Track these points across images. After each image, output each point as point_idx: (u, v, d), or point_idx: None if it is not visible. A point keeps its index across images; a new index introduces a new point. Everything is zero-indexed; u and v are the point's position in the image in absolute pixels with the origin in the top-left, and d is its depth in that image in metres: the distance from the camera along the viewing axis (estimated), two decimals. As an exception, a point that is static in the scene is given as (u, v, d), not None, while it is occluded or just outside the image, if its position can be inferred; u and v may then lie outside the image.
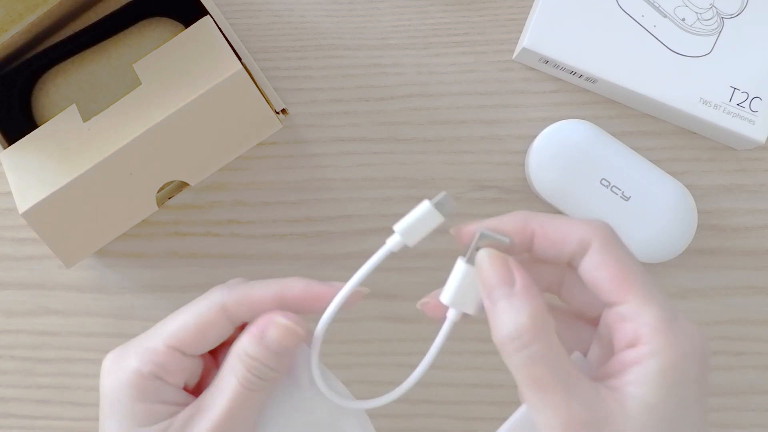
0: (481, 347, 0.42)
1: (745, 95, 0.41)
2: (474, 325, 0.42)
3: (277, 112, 0.39)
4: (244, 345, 0.28)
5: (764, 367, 0.42)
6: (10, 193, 0.43)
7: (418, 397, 0.42)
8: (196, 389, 0.30)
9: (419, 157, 0.43)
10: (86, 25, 0.43)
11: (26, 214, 0.36)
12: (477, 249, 0.28)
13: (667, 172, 0.42)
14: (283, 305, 0.29)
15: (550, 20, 0.42)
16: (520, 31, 0.44)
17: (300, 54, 0.44)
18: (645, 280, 0.26)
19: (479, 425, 0.42)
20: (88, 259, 0.43)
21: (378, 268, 0.38)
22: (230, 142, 0.37)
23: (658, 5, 0.42)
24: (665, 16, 0.42)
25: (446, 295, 0.28)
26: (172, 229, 0.43)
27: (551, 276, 0.29)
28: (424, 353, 0.35)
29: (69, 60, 0.42)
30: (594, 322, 0.29)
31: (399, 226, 0.29)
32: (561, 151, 0.41)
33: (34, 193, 0.36)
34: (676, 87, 0.41)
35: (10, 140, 0.40)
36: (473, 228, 0.28)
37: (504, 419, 0.44)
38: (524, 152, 0.43)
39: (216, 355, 0.31)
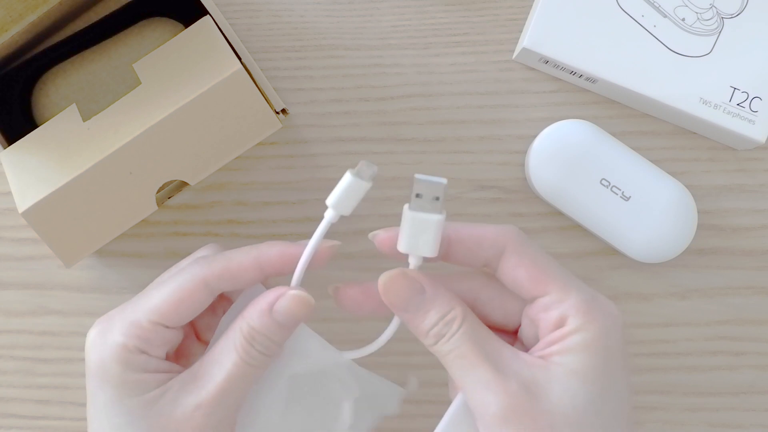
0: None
1: (745, 95, 0.41)
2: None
3: (277, 112, 0.39)
4: (249, 318, 0.29)
5: (764, 367, 0.42)
6: (10, 193, 0.43)
7: (419, 398, 0.42)
8: (175, 356, 0.31)
9: (419, 157, 0.43)
10: (86, 25, 0.43)
11: (26, 214, 0.36)
12: (417, 195, 0.29)
13: (667, 172, 0.42)
14: (262, 271, 0.30)
15: (550, 20, 0.42)
16: (520, 31, 0.44)
17: (300, 54, 0.44)
18: (561, 272, 0.29)
19: (479, 425, 0.42)
20: (88, 259, 0.43)
21: (379, 269, 0.38)
22: (230, 141, 0.37)
23: (658, 5, 0.42)
24: (665, 16, 0.42)
25: (401, 243, 0.29)
26: (172, 229, 0.43)
27: (465, 295, 0.30)
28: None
29: (69, 60, 0.42)
30: (512, 334, 0.31)
31: (330, 200, 0.30)
32: (561, 151, 0.41)
33: (34, 192, 0.36)
34: (676, 87, 0.41)
35: (10, 140, 0.40)
36: (386, 235, 0.30)
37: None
38: (524, 152, 0.43)
39: (193, 323, 0.32)
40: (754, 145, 0.42)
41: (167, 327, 0.29)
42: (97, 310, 0.43)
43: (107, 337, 0.29)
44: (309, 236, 0.45)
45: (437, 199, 0.29)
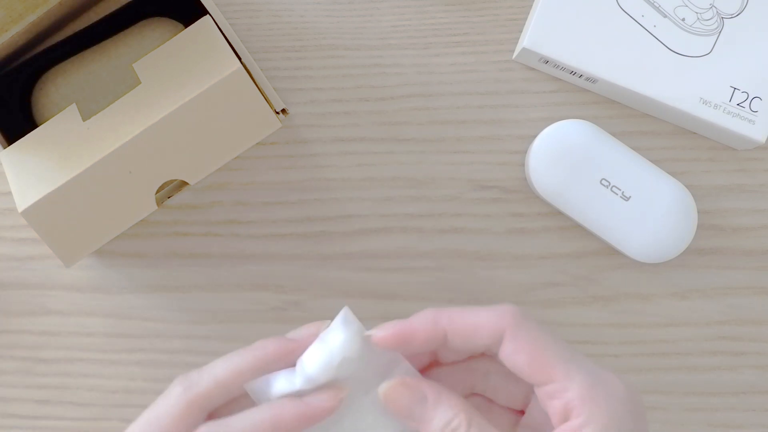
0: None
1: (745, 95, 0.41)
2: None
3: (277, 112, 0.39)
4: None
5: (764, 367, 0.42)
6: (10, 193, 0.43)
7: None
8: None
9: (419, 157, 0.43)
10: (86, 25, 0.43)
11: (25, 213, 0.36)
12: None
13: (667, 172, 0.42)
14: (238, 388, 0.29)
15: (550, 20, 0.42)
16: (520, 31, 0.44)
17: (300, 54, 0.44)
18: (562, 353, 0.28)
19: (479, 425, 0.42)
20: (88, 259, 0.43)
21: (379, 269, 0.38)
22: (230, 141, 0.37)
23: (658, 5, 0.42)
24: (665, 16, 0.42)
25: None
26: (172, 229, 0.43)
27: (471, 377, 0.31)
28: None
29: (69, 60, 0.42)
30: (518, 413, 0.31)
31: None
32: (561, 151, 0.41)
33: (34, 191, 0.36)
34: (676, 87, 0.41)
35: (10, 140, 0.40)
36: (383, 334, 0.29)
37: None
38: (524, 152, 0.43)
39: None
40: (754, 145, 0.42)
41: None
42: (97, 310, 0.43)
43: None
44: (309, 236, 0.45)
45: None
